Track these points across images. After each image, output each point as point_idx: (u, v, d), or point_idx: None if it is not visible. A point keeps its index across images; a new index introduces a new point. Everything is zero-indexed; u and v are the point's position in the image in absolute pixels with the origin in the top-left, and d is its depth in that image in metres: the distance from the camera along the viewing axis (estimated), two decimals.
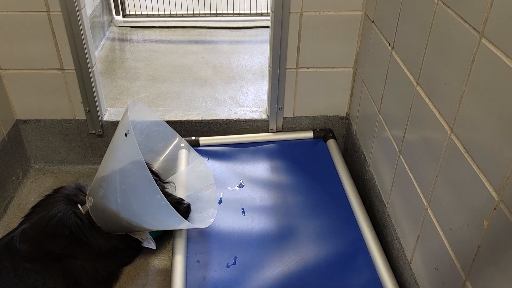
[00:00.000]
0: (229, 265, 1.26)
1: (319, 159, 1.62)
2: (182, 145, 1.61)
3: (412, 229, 1.11)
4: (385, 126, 1.30)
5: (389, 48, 1.25)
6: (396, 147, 1.21)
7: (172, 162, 1.60)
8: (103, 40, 2.70)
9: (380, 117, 1.34)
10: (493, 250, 0.76)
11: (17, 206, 1.63)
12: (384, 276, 1.18)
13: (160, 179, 1.48)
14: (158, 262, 1.42)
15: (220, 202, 1.45)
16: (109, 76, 2.35)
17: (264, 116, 1.74)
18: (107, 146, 1.77)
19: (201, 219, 1.39)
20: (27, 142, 1.74)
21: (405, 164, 1.15)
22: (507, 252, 0.72)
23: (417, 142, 1.07)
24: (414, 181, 1.09)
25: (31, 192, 1.69)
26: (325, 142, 1.69)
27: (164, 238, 1.49)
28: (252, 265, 1.26)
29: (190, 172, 1.57)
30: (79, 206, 1.32)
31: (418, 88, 1.06)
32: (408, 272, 1.14)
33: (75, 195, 1.36)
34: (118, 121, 1.71)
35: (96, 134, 1.73)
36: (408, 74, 1.12)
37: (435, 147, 0.97)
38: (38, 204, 1.36)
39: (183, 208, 1.35)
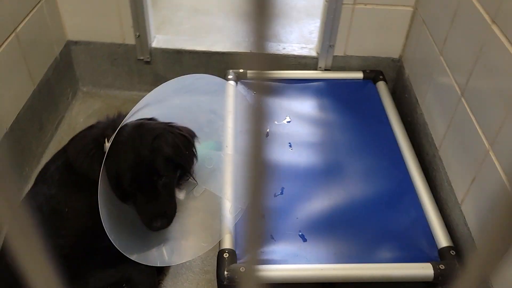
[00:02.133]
0: (276, 194, 1.29)
1: (368, 100, 1.60)
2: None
3: (467, 172, 1.11)
4: (447, 68, 1.26)
5: None
6: (458, 90, 1.18)
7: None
8: None
9: (441, 59, 1.30)
10: None
11: (67, 125, 1.67)
12: (431, 216, 1.20)
13: (184, 173, 1.19)
14: None
15: (267, 135, 1.47)
16: (152, 5, 2.32)
17: (313, 53, 1.71)
18: (154, 74, 1.79)
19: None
20: (76, 64, 1.75)
21: (467, 107, 1.13)
22: None
23: (485, 84, 1.05)
24: (476, 124, 1.08)
25: (80, 113, 1.73)
26: (375, 84, 1.66)
27: None
28: (298, 196, 1.28)
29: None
30: (106, 142, 1.10)
31: (494, 27, 1.02)
32: (457, 213, 1.15)
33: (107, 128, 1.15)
34: (166, 49, 1.71)
35: (144, 61, 1.73)
36: (482, 11, 1.07)
37: (507, 89, 0.95)
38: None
39: (154, 225, 1.10)
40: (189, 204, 1.27)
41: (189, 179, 1.24)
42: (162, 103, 1.21)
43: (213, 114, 1.30)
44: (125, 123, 1.09)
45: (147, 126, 1.13)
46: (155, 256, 1.15)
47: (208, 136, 1.28)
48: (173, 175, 1.15)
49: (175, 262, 1.20)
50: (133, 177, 1.07)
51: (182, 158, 1.14)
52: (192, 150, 1.18)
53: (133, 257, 1.04)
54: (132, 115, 1.08)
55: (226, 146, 1.31)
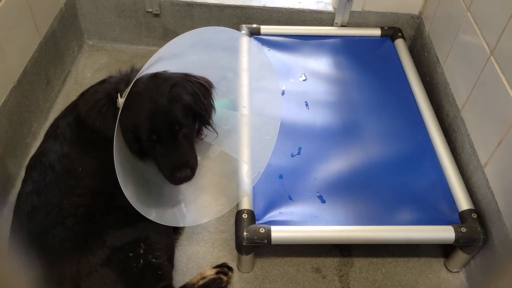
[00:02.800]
0: (293, 154, 1.27)
1: (385, 58, 1.55)
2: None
3: (493, 134, 1.08)
4: (475, 26, 1.20)
5: None
6: (487, 48, 1.13)
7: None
8: None
9: (469, 16, 1.24)
10: None
11: (74, 80, 1.62)
12: (452, 178, 1.18)
13: (203, 124, 1.13)
14: None
15: (283, 93, 1.42)
16: None
17: (330, 8, 1.64)
18: (163, 27, 1.71)
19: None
20: (81, 15, 1.67)
21: (496, 67, 1.08)
22: None
23: None
24: (506, 85, 1.04)
25: (86, 67, 1.67)
26: (393, 42, 1.60)
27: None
28: (316, 157, 1.26)
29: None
30: (119, 97, 1.05)
31: None
32: (479, 176, 1.13)
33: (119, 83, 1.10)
34: (177, 1, 1.62)
35: (153, 13, 1.66)
36: None
37: None
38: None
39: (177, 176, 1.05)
40: (204, 165, 1.24)
41: (204, 138, 1.20)
42: (179, 58, 1.15)
43: (232, 72, 1.24)
44: (139, 76, 1.04)
45: (163, 76, 1.07)
46: (171, 217, 1.13)
47: (224, 94, 1.24)
48: (193, 126, 1.10)
49: (192, 223, 1.18)
50: (151, 128, 1.02)
51: (202, 106, 1.07)
52: (210, 100, 1.12)
53: (152, 217, 1.02)
54: (147, 68, 1.03)
55: (244, 106, 1.26)
